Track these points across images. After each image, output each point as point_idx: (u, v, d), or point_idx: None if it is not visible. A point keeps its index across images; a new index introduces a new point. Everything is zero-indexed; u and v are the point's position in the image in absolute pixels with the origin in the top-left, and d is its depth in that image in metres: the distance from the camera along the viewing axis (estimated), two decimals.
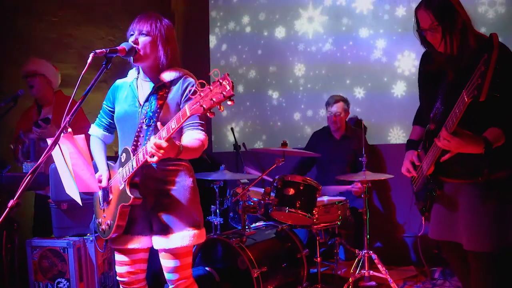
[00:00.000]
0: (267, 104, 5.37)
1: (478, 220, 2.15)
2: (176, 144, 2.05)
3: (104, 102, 2.44)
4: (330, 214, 3.54)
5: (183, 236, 2.20)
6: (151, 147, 1.96)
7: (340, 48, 4.94)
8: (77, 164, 2.07)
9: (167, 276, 2.28)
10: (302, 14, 5.12)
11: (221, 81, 1.77)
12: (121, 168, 2.23)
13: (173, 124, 1.95)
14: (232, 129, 4.75)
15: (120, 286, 2.40)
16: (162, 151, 1.96)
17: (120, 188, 2.21)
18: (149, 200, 2.24)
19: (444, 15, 2.13)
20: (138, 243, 2.27)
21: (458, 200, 2.24)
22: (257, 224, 3.70)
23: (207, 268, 3.19)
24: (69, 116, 1.88)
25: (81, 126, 3.21)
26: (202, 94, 1.81)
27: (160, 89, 2.26)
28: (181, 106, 2.21)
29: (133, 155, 2.16)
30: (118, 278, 2.38)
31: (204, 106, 1.81)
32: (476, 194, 2.17)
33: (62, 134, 1.87)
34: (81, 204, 2.21)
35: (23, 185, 1.66)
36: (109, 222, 2.26)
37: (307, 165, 4.66)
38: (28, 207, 3.87)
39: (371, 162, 4.06)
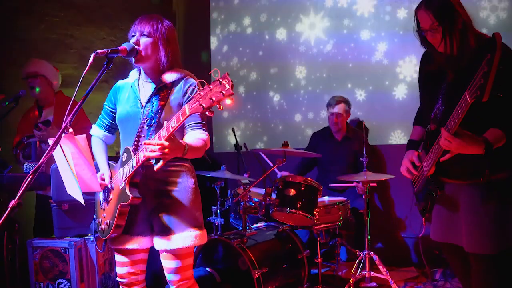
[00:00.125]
0: (268, 107, 5.37)
1: (478, 222, 2.15)
2: (181, 143, 2.05)
3: (105, 103, 2.45)
4: (331, 215, 3.54)
5: (185, 237, 2.20)
6: (153, 149, 1.95)
7: (341, 50, 4.93)
8: (79, 164, 2.08)
9: (168, 277, 2.27)
10: (303, 16, 5.12)
11: (220, 80, 1.77)
12: (121, 168, 2.23)
13: (173, 123, 1.95)
14: (233, 129, 4.75)
15: (120, 287, 2.40)
16: (166, 150, 1.95)
17: (120, 187, 2.21)
18: (150, 200, 2.24)
19: (444, 15, 2.12)
20: (138, 243, 2.27)
21: (459, 201, 2.23)
22: (258, 224, 3.70)
23: (208, 269, 3.19)
24: (70, 117, 1.88)
25: (82, 127, 3.21)
26: (201, 93, 1.82)
27: (162, 90, 2.26)
28: (183, 106, 2.21)
29: (134, 155, 2.16)
30: (118, 279, 2.38)
31: (204, 105, 1.81)
32: (476, 195, 2.16)
33: (63, 135, 1.87)
34: (83, 204, 2.21)
35: (24, 186, 1.66)
36: (108, 221, 2.26)
37: (308, 166, 4.66)
38: (29, 207, 3.87)
39: (372, 163, 4.06)
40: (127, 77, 2.42)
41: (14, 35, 4.50)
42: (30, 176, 1.66)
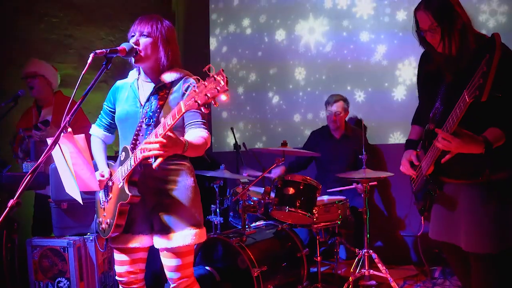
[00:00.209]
0: (267, 108, 5.37)
1: (478, 221, 2.14)
2: (181, 140, 2.05)
3: (104, 103, 2.45)
4: (330, 214, 3.54)
5: (185, 235, 2.20)
6: (153, 147, 1.95)
7: (341, 51, 4.93)
8: (77, 164, 2.08)
9: (168, 275, 2.28)
10: (302, 18, 5.12)
11: (215, 76, 1.77)
12: (120, 167, 2.24)
13: (169, 121, 1.96)
14: (232, 129, 4.75)
15: (119, 286, 2.41)
16: (164, 147, 1.95)
17: (119, 186, 2.22)
18: (150, 199, 2.25)
19: (444, 15, 2.12)
20: (139, 242, 2.28)
21: (458, 201, 2.23)
22: (257, 223, 3.71)
23: (207, 268, 3.20)
24: (69, 116, 1.89)
25: (81, 126, 3.21)
26: (197, 90, 1.82)
27: (161, 90, 2.27)
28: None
29: (132, 153, 2.17)
30: (117, 277, 2.38)
31: (199, 101, 1.81)
32: (476, 194, 2.16)
33: (62, 134, 1.87)
34: (82, 203, 2.21)
35: (23, 185, 1.66)
36: (108, 221, 2.27)
37: (302, 164, 4.66)
38: (28, 206, 3.87)
39: (371, 162, 4.06)
40: (126, 77, 2.43)
41: (14, 35, 4.50)
42: (29, 175, 1.67)
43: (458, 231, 2.22)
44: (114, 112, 2.40)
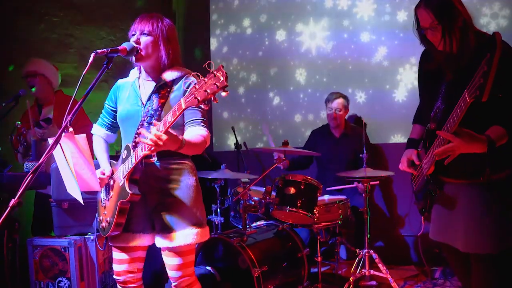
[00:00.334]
0: (268, 109, 5.37)
1: (479, 221, 2.14)
2: (178, 138, 2.04)
3: (106, 102, 2.45)
4: (331, 213, 3.54)
5: (186, 235, 2.21)
6: (151, 139, 1.95)
7: (342, 52, 4.93)
8: (78, 164, 2.08)
9: (170, 273, 2.28)
10: (303, 18, 5.12)
11: (215, 72, 1.78)
12: (122, 165, 2.24)
13: (169, 118, 1.96)
14: (233, 128, 4.74)
15: (117, 285, 2.41)
16: (161, 142, 1.94)
17: (120, 184, 2.22)
18: (152, 198, 2.25)
19: (444, 13, 2.11)
20: (139, 241, 2.28)
21: (459, 201, 2.22)
22: (258, 223, 3.71)
23: (208, 267, 3.20)
24: (70, 116, 1.89)
25: (82, 125, 3.21)
26: (197, 86, 1.82)
27: (162, 88, 2.27)
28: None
29: (133, 152, 2.17)
30: (115, 276, 2.38)
31: (199, 97, 1.82)
32: (477, 194, 2.16)
33: (63, 134, 1.87)
34: (82, 203, 2.21)
35: (24, 184, 1.66)
36: (109, 219, 2.27)
37: (303, 164, 4.65)
38: (29, 206, 3.87)
39: (372, 160, 4.06)
40: (127, 76, 2.43)
41: (13, 35, 4.50)
42: (30, 175, 1.67)
43: (456, 232, 2.22)
44: (115, 111, 2.40)
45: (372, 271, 3.62)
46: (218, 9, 5.69)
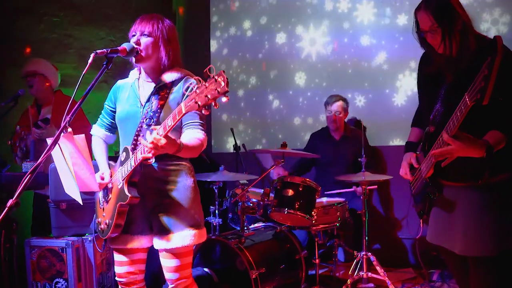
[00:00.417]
0: (267, 112, 5.37)
1: (478, 224, 2.13)
2: (176, 142, 2.05)
3: (105, 102, 2.45)
4: (329, 216, 3.54)
5: (184, 236, 2.20)
6: (151, 142, 1.96)
7: (341, 56, 4.93)
8: (77, 164, 2.08)
9: (167, 275, 2.28)
10: (303, 21, 5.12)
11: (216, 77, 1.77)
12: (120, 167, 2.24)
13: (169, 122, 1.96)
14: (232, 130, 4.74)
15: (119, 286, 2.40)
16: (160, 146, 1.95)
17: (119, 187, 2.22)
18: (150, 200, 2.24)
19: (444, 16, 2.11)
20: (138, 242, 2.28)
21: (458, 204, 2.22)
22: (256, 225, 3.71)
23: (205, 269, 3.19)
24: (69, 116, 1.89)
25: (80, 126, 3.21)
26: (197, 91, 1.82)
27: (161, 90, 2.26)
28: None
29: (132, 154, 2.17)
30: (117, 278, 2.38)
31: (199, 102, 1.81)
32: (476, 197, 2.15)
33: (62, 134, 1.87)
34: (81, 204, 2.21)
35: (23, 185, 1.66)
36: (107, 221, 2.27)
37: (305, 167, 4.66)
38: (27, 207, 3.86)
39: (371, 164, 4.06)
40: (127, 77, 2.43)
41: (13, 35, 4.50)
42: (29, 175, 1.67)
43: (454, 236, 2.21)
44: (115, 112, 2.40)
45: (370, 273, 3.63)
46: (219, 11, 5.69)
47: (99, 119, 2.49)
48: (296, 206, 3.32)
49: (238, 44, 5.54)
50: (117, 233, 2.26)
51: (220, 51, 5.66)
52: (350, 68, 4.89)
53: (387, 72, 4.70)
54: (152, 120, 2.21)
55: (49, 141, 1.85)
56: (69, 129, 1.89)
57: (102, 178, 2.30)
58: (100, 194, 2.36)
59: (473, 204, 2.16)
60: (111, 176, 2.31)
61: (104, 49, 2.04)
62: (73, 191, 2.13)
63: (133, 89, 2.33)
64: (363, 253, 3.63)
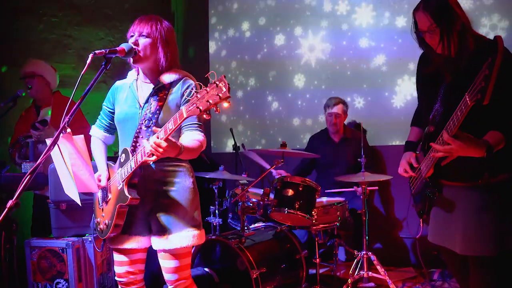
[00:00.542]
0: (266, 114, 5.37)
1: (477, 224, 2.13)
2: (177, 145, 2.05)
3: (104, 103, 2.45)
4: (329, 215, 3.54)
5: (183, 237, 2.20)
6: (151, 145, 1.97)
7: (340, 58, 4.92)
8: (76, 165, 2.08)
9: (166, 276, 2.28)
10: (302, 23, 5.12)
11: (217, 83, 1.77)
12: (120, 169, 2.23)
13: (170, 125, 1.96)
14: (231, 130, 4.74)
15: (119, 286, 2.41)
16: (161, 149, 1.96)
17: (119, 188, 2.21)
18: (149, 200, 2.24)
19: (442, 16, 2.11)
20: (137, 243, 2.27)
21: (458, 204, 2.22)
22: (256, 225, 3.70)
23: (206, 269, 3.19)
24: (68, 117, 1.88)
25: (79, 126, 3.21)
26: (198, 95, 1.82)
27: (160, 91, 2.26)
28: (180, 108, 2.22)
29: (132, 156, 2.16)
30: (116, 278, 2.38)
31: (201, 107, 1.82)
32: (475, 197, 2.15)
33: (61, 135, 1.87)
34: (80, 205, 2.21)
35: (22, 185, 1.66)
36: (107, 221, 2.26)
37: (306, 170, 4.65)
38: (27, 207, 3.86)
39: (370, 164, 4.06)
40: (126, 78, 2.42)
41: (13, 35, 4.50)
42: (28, 176, 1.66)
43: (454, 235, 2.21)
44: (113, 113, 2.40)
45: (370, 273, 3.62)
46: (217, 12, 5.69)
47: (97, 120, 2.49)
48: (296, 206, 3.31)
49: (236, 45, 5.53)
50: (117, 233, 2.26)
51: (218, 53, 5.66)
52: (349, 70, 4.89)
53: (386, 74, 4.70)
54: (151, 122, 2.21)
55: (48, 142, 1.85)
56: (68, 130, 1.89)
57: (99, 180, 2.30)
58: (99, 194, 2.36)
59: (473, 204, 2.16)
60: (108, 179, 2.31)
61: (103, 50, 2.04)
62: (72, 192, 2.13)
63: (132, 90, 2.33)
64: (364, 252, 3.63)
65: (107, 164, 2.38)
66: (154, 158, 2.02)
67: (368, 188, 3.72)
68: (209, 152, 5.55)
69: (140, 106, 2.27)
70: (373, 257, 3.60)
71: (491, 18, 4.22)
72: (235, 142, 4.64)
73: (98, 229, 2.34)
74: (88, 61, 1.94)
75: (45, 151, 1.78)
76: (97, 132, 2.48)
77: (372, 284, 3.75)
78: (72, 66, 4.74)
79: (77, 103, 1.93)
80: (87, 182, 2.18)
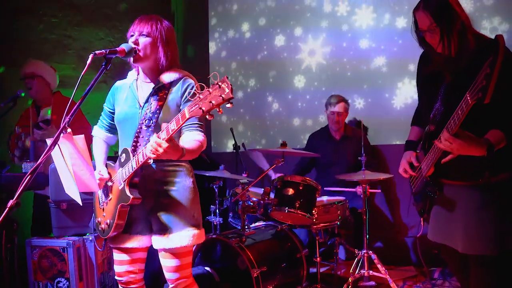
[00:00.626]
0: (266, 114, 5.37)
1: (478, 223, 2.14)
2: (179, 147, 2.06)
3: (104, 104, 2.45)
4: (330, 214, 3.54)
5: (183, 236, 2.20)
6: (151, 144, 1.97)
7: (340, 59, 4.92)
8: (77, 164, 2.08)
9: (167, 275, 2.28)
10: (302, 24, 5.12)
11: (220, 84, 1.77)
12: (120, 169, 2.24)
13: (172, 126, 1.96)
14: (231, 129, 4.74)
15: (119, 285, 2.41)
16: (161, 149, 1.96)
17: (120, 188, 2.22)
18: (149, 200, 2.25)
19: (442, 15, 2.11)
20: (138, 242, 2.28)
21: (458, 203, 2.22)
22: (257, 224, 3.71)
23: (206, 268, 3.19)
24: (68, 117, 1.89)
25: (79, 126, 3.21)
26: (201, 96, 1.82)
27: (160, 90, 2.26)
28: (180, 107, 2.23)
29: (133, 156, 2.17)
30: (116, 277, 2.39)
31: (203, 108, 1.82)
32: (476, 196, 2.15)
33: (62, 135, 1.87)
34: (81, 204, 2.21)
35: (23, 185, 1.66)
36: (108, 221, 2.27)
37: (305, 169, 4.65)
38: (27, 207, 3.87)
39: (371, 163, 4.06)
40: (126, 78, 2.43)
41: (13, 36, 4.50)
42: (29, 176, 1.67)
43: (455, 233, 2.22)
44: (114, 113, 2.40)
45: (371, 271, 3.63)
46: (217, 13, 5.69)
47: (99, 120, 2.50)
48: (297, 205, 3.32)
49: (236, 46, 5.53)
50: (118, 232, 2.27)
51: (218, 54, 5.66)
52: (349, 71, 4.89)
53: (386, 75, 4.69)
54: (151, 121, 2.21)
55: (49, 141, 1.86)
56: (69, 130, 1.90)
57: (101, 175, 2.30)
58: (100, 194, 2.36)
59: (474, 203, 2.16)
60: (109, 178, 2.31)
61: (103, 50, 2.04)
62: (73, 192, 2.14)
63: (132, 90, 2.33)
64: (364, 251, 3.63)
65: (107, 164, 2.38)
66: (153, 156, 2.01)
67: (370, 190, 3.72)
68: (209, 152, 5.55)
69: (140, 106, 2.27)
70: (373, 256, 3.60)
71: (492, 21, 4.22)
72: (235, 142, 4.64)
73: (99, 228, 2.35)
74: (88, 62, 1.94)
75: (45, 151, 1.78)
76: (99, 132, 2.48)
77: (372, 283, 3.75)
78: (72, 66, 4.74)
79: (77, 103, 1.93)
80: (88, 182, 2.19)
